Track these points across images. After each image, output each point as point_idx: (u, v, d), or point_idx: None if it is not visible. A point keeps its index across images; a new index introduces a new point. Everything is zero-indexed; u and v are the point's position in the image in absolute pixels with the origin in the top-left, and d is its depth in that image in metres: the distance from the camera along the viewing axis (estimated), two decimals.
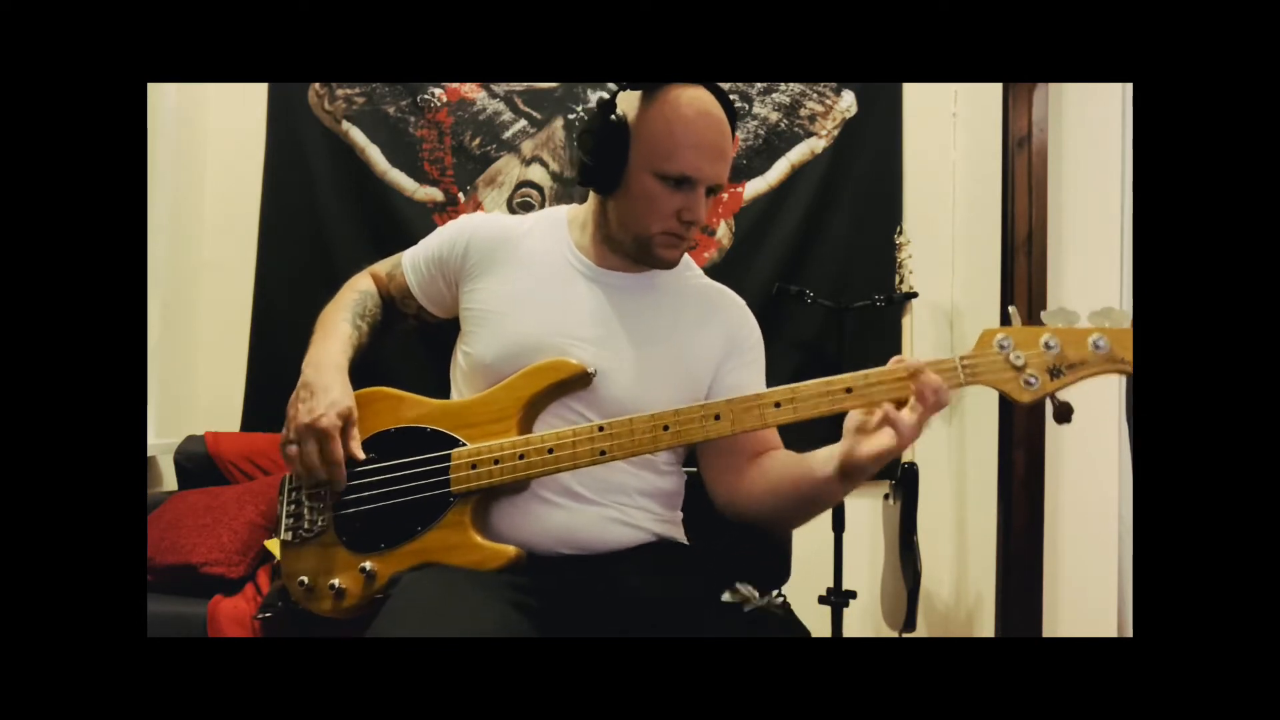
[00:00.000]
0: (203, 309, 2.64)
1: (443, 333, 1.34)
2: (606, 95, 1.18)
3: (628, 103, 1.17)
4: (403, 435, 1.19)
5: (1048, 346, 1.03)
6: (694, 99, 1.15)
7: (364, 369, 1.27)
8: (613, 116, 1.16)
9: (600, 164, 1.17)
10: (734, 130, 1.19)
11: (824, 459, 1.09)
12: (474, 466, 1.14)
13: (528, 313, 1.21)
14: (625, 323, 1.21)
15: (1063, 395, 1.03)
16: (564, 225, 1.28)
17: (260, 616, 1.26)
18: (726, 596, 1.11)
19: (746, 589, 1.13)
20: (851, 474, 1.05)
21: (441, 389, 1.28)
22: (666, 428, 1.11)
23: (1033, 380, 1.03)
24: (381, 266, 1.36)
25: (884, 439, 1.01)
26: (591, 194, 1.24)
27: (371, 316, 1.31)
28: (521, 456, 1.13)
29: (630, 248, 1.21)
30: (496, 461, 1.14)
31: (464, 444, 1.16)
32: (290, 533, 1.20)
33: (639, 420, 1.12)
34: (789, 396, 1.08)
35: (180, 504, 2.16)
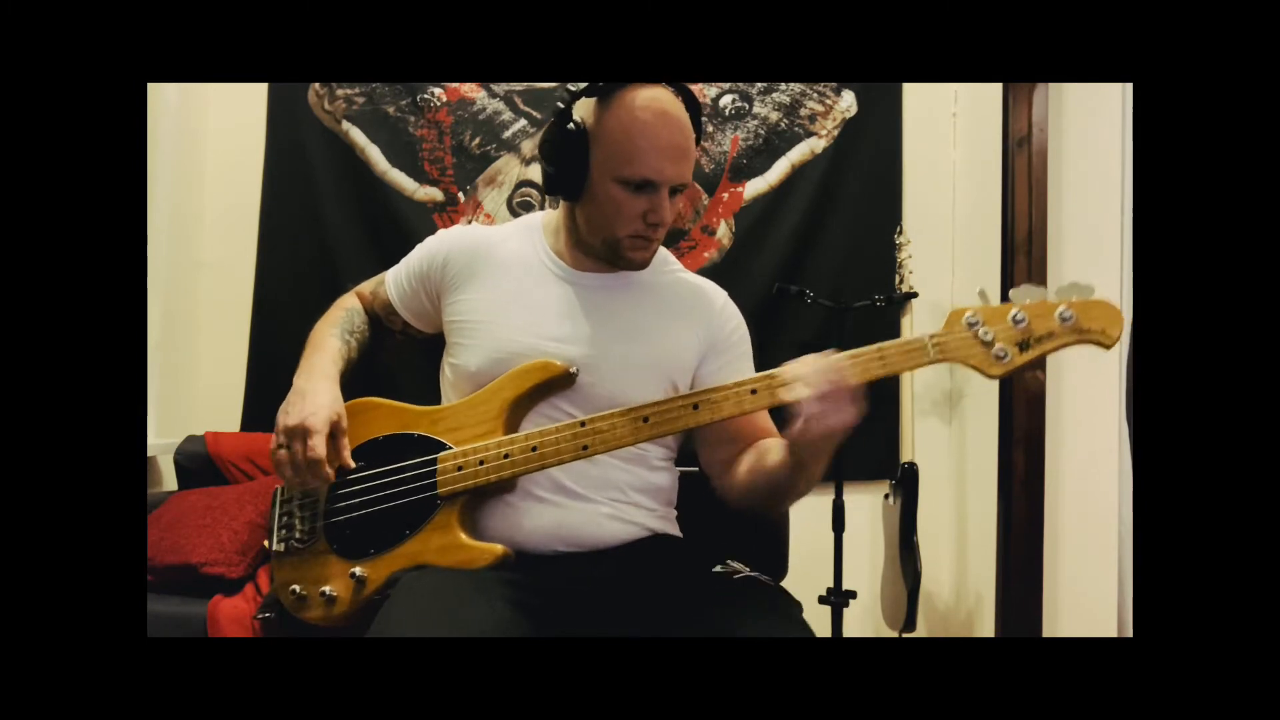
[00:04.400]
0: (203, 309, 2.64)
1: (441, 343, 1.35)
2: (561, 104, 1.17)
3: (584, 109, 1.17)
4: (390, 442, 1.20)
5: (1015, 321, 1.04)
6: (650, 101, 1.14)
7: (366, 379, 1.28)
8: (570, 124, 1.15)
9: (562, 172, 1.17)
10: (698, 124, 1.19)
11: (782, 445, 1.12)
12: (459, 468, 1.15)
13: (508, 319, 1.21)
14: (604, 322, 1.22)
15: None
16: (539, 230, 1.29)
17: (260, 616, 1.27)
18: (717, 569, 1.13)
19: (737, 564, 1.16)
20: (799, 457, 1.08)
21: (435, 398, 1.29)
22: (646, 419, 1.12)
23: (1002, 354, 1.04)
24: (366, 285, 1.38)
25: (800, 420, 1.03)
26: (560, 200, 1.25)
27: (360, 333, 1.33)
28: (506, 455, 1.14)
29: (601, 251, 1.21)
30: (482, 462, 1.14)
31: (450, 447, 1.17)
32: (282, 544, 1.21)
33: (618, 414, 1.13)
34: (765, 382, 1.09)
35: (180, 504, 2.15)
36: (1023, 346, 1.04)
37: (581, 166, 1.16)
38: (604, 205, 1.17)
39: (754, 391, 1.10)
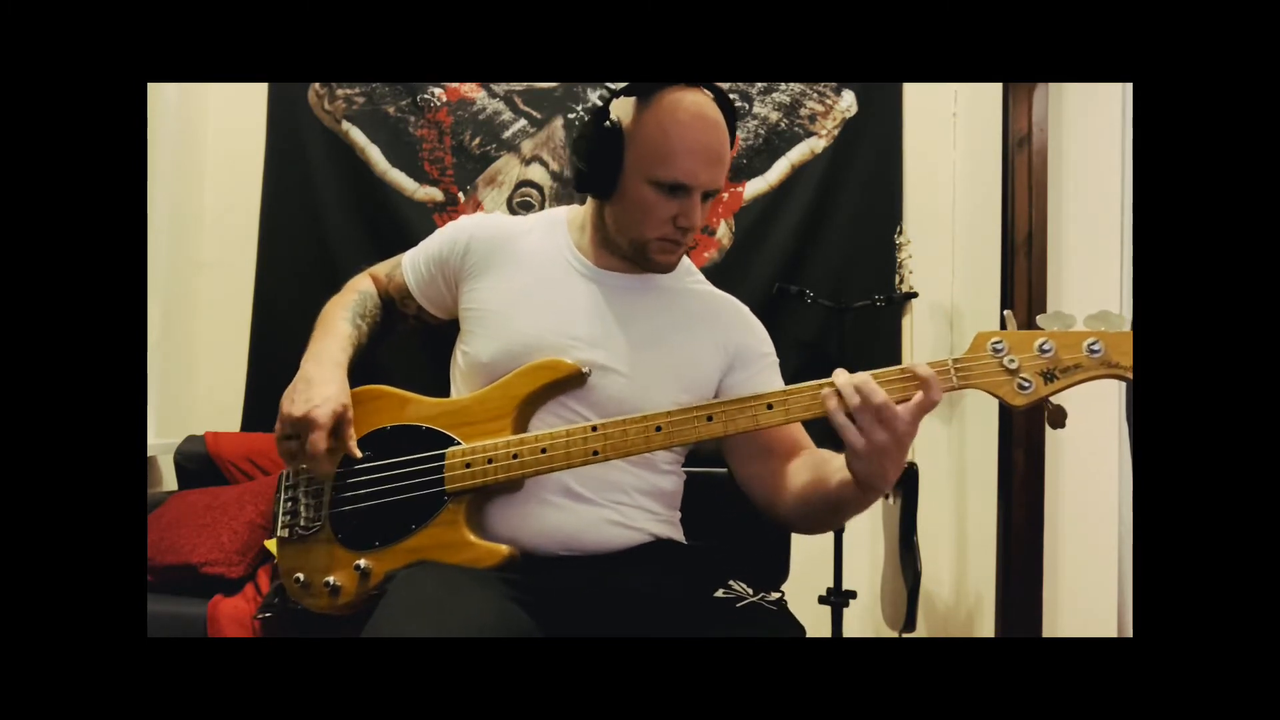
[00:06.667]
0: (203, 309, 2.64)
1: (441, 332, 1.34)
2: (600, 102, 1.17)
3: (622, 108, 1.16)
4: (398, 433, 1.20)
5: (1042, 350, 1.01)
6: (690, 103, 1.13)
7: (363, 368, 1.27)
8: (607, 122, 1.15)
9: (595, 171, 1.17)
10: (733, 131, 1.18)
11: (843, 463, 1.06)
12: (468, 465, 1.14)
13: (526, 313, 1.21)
14: (623, 323, 1.21)
15: (1061, 397, 1.02)
16: (563, 226, 1.28)
17: (260, 616, 1.27)
18: (719, 593, 1.11)
19: (740, 586, 1.14)
20: (860, 478, 1.02)
21: (440, 388, 1.28)
22: (659, 429, 1.11)
23: (1026, 384, 1.01)
24: (381, 268, 1.37)
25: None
26: (589, 198, 1.24)
27: (371, 317, 1.31)
28: (515, 456, 1.13)
29: (627, 251, 1.21)
30: (490, 460, 1.14)
31: (459, 443, 1.17)
32: (287, 530, 1.21)
33: (631, 421, 1.12)
34: (781, 398, 1.08)
35: (180, 504, 2.16)
36: (1048, 377, 1.00)
37: (614, 165, 1.15)
38: (634, 206, 1.16)
39: (770, 407, 1.07)
